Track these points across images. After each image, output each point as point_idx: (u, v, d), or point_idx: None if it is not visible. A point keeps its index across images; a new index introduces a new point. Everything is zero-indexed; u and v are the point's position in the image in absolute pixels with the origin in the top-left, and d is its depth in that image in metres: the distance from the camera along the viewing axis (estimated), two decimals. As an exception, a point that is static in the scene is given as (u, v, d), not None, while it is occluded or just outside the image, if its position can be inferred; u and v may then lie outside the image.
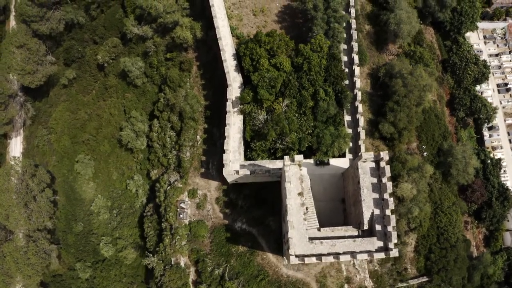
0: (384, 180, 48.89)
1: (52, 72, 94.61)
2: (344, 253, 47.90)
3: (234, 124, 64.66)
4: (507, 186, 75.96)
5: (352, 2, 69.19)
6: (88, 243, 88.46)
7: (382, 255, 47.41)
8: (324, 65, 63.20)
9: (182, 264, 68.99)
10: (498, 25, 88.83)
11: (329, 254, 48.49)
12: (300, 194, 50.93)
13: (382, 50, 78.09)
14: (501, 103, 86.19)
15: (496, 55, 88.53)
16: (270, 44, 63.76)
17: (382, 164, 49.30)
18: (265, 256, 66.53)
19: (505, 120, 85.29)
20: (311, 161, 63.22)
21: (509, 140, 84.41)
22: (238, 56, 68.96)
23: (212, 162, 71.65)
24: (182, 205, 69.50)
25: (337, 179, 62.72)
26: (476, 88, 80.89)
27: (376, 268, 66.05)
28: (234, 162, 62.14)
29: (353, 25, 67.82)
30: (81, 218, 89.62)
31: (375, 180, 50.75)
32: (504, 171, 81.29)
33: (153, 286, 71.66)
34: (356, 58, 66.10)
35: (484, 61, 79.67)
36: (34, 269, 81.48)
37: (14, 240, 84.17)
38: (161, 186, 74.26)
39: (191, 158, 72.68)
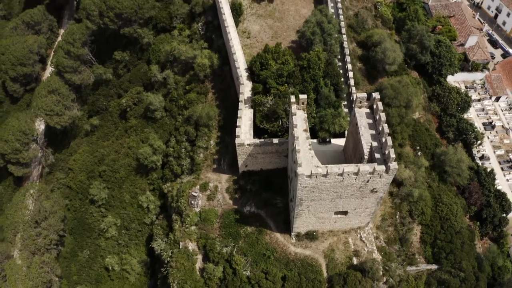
0: (378, 116, 58.88)
1: (77, 117, 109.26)
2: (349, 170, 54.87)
3: (245, 115, 76.31)
4: (504, 191, 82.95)
5: (343, 31, 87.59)
6: (92, 269, 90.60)
7: (383, 167, 54.38)
8: (322, 68, 77.88)
9: (190, 249, 72.52)
10: (477, 76, 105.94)
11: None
12: (305, 130, 60.31)
13: (373, 84, 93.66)
14: (488, 138, 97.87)
15: (479, 100, 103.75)
16: (277, 53, 79.70)
17: (375, 105, 59.99)
18: (272, 236, 70.76)
19: (494, 152, 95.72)
20: (315, 140, 73.15)
21: (501, 168, 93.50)
22: (250, 71, 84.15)
23: (224, 159, 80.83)
24: (193, 193, 76.35)
25: (339, 154, 71.51)
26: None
27: (383, 245, 69.67)
28: (245, 141, 71.80)
29: (345, 44, 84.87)
30: (88, 246, 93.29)
31: (370, 121, 60.50)
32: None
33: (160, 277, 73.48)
34: (349, 62, 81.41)
35: (466, 91, 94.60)
36: (34, 282, 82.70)
37: (20, 258, 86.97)
38: (173, 187, 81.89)
39: (204, 158, 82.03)
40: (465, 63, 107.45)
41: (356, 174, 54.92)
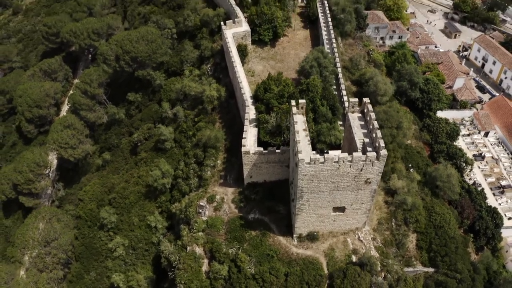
0: (368, 116, 69.41)
1: (89, 152, 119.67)
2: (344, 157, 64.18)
3: (250, 132, 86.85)
4: (494, 206, 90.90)
5: (338, 64, 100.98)
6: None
7: (374, 154, 63.64)
8: (320, 92, 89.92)
9: (197, 253, 79.23)
10: (465, 114, 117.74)
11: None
12: (305, 130, 70.52)
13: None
14: (479, 167, 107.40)
15: (468, 135, 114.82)
16: (278, 80, 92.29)
17: (366, 109, 70.85)
18: (275, 238, 77.89)
19: (485, 179, 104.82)
20: (314, 152, 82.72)
21: (493, 194, 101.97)
22: (254, 99, 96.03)
23: (230, 175, 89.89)
24: (201, 203, 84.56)
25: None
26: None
27: (380, 245, 76.61)
28: (250, 149, 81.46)
29: (340, 75, 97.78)
30: (94, 269, 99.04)
31: (362, 123, 71.07)
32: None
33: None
34: (344, 89, 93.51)
35: (454, 121, 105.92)
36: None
37: (27, 275, 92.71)
38: (181, 203, 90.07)
39: (211, 175, 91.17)
40: (454, 102, 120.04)
41: (351, 161, 64.18)
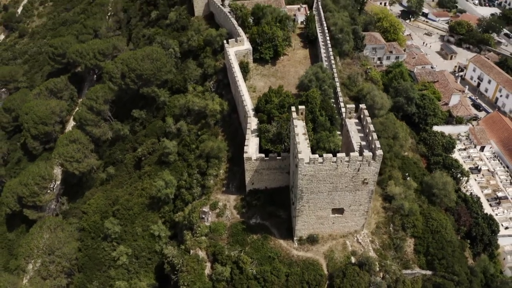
0: (365, 121, 74.01)
1: (95, 166, 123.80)
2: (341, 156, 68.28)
3: (252, 141, 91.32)
4: (490, 214, 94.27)
5: (336, 78, 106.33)
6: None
7: (370, 154, 67.70)
8: (318, 104, 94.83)
9: (200, 256, 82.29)
10: (461, 129, 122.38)
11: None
12: (304, 134, 74.94)
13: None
14: (475, 180, 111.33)
15: (464, 149, 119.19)
16: (279, 92, 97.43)
17: (362, 114, 75.51)
18: (276, 242, 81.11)
19: (482, 191, 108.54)
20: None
21: (490, 204, 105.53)
22: (255, 111, 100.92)
23: (232, 183, 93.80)
24: (204, 209, 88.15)
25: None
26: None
27: (379, 248, 79.76)
28: (252, 156, 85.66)
29: (338, 89, 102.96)
30: (97, 278, 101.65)
31: (359, 127, 75.65)
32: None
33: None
34: (341, 101, 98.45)
35: (450, 134, 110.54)
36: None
37: (30, 282, 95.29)
38: (185, 211, 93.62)
39: (214, 183, 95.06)
40: (450, 118, 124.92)
41: (348, 161, 68.34)
